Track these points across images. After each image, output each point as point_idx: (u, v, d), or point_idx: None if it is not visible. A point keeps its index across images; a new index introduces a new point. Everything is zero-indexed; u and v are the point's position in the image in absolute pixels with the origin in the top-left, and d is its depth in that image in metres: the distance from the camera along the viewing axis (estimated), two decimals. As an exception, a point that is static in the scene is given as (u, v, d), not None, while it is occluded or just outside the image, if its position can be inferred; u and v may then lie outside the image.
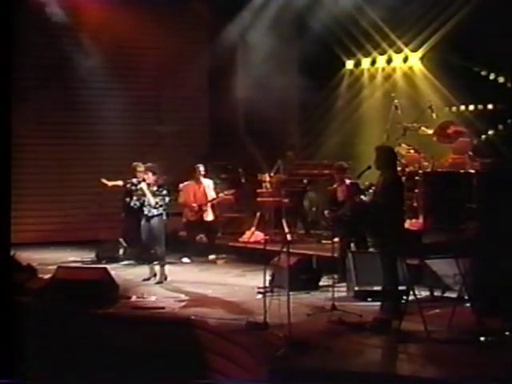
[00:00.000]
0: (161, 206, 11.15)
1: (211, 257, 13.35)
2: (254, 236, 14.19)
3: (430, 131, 12.61)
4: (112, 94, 16.45)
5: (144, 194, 11.20)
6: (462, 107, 14.33)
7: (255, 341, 7.59)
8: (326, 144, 14.97)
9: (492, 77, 13.92)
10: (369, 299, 9.31)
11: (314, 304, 9.16)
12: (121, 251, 13.28)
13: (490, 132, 13.95)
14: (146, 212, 11.22)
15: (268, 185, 14.32)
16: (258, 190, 14.44)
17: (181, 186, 14.86)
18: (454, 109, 14.34)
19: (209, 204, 13.47)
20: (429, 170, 11.68)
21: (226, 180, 15.32)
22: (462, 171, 9.71)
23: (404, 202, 8.58)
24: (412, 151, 11.92)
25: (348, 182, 10.81)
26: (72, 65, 16.30)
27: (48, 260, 13.67)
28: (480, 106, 14.20)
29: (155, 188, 11.24)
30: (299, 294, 9.69)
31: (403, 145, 12.23)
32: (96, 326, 8.61)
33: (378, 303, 8.60)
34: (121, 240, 13.38)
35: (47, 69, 16.06)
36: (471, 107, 14.30)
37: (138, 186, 11.48)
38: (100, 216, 15.64)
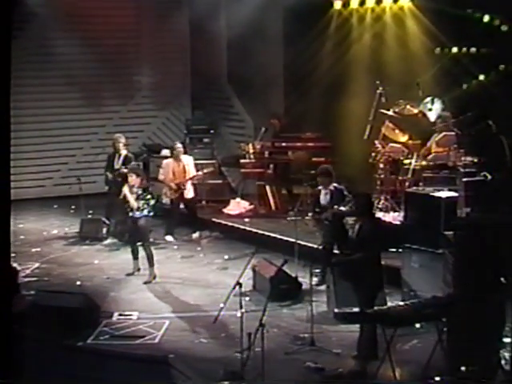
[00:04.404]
0: (143, 209, 11.01)
1: (195, 235, 13.33)
2: (238, 206, 14.15)
3: (416, 110, 12.41)
4: (91, 43, 16.05)
5: (126, 198, 11.11)
6: (454, 49, 13.97)
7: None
8: (311, 110, 14.57)
9: (486, 19, 13.49)
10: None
11: (294, 330, 9.19)
12: (104, 230, 13.23)
13: (481, 77, 13.66)
14: (130, 214, 11.11)
15: (252, 156, 14.13)
16: (242, 161, 14.27)
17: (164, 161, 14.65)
18: (445, 51, 14.00)
19: (189, 182, 13.33)
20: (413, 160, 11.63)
21: (208, 145, 15.14)
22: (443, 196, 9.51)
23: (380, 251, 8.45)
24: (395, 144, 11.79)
25: (332, 186, 10.65)
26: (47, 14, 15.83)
27: (31, 235, 13.68)
28: (472, 50, 13.83)
29: (140, 191, 11.08)
30: (280, 308, 9.83)
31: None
32: (74, 358, 8.78)
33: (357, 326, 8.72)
34: (103, 219, 13.32)
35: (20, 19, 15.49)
36: (463, 50, 13.94)
37: (122, 192, 11.29)
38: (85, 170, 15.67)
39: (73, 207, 14.83)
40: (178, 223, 13.42)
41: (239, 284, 8.14)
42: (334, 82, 14.41)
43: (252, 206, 14.15)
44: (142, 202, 10.99)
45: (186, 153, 13.50)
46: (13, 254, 12.03)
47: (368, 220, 8.15)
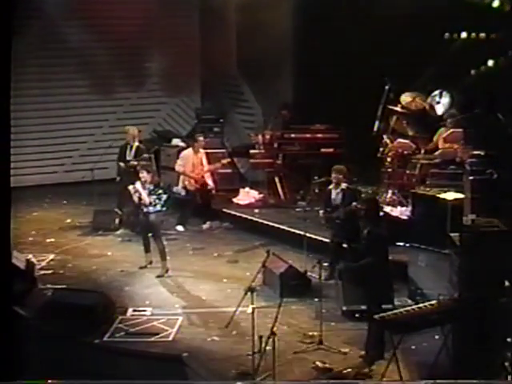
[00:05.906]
0: (156, 204, 11.28)
1: (205, 226, 13.57)
2: (248, 196, 14.37)
3: (424, 103, 12.57)
4: (102, 30, 16.18)
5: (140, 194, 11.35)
6: (463, 34, 14.02)
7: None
8: (320, 96, 14.63)
9: (496, 4, 13.54)
10: (356, 315, 9.60)
11: (303, 328, 9.46)
12: (116, 220, 13.49)
13: (490, 63, 13.73)
14: (144, 209, 11.38)
15: (261, 146, 14.33)
16: (251, 151, 14.47)
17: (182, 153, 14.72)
18: (454, 36, 14.05)
19: (207, 173, 13.59)
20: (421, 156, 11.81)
21: (219, 135, 15.33)
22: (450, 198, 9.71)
23: (388, 255, 8.69)
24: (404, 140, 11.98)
25: (344, 185, 10.84)
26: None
27: (45, 223, 13.94)
28: (482, 35, 13.89)
29: (151, 187, 11.35)
30: (289, 304, 9.97)
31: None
32: (89, 355, 9.09)
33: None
34: (116, 210, 13.57)
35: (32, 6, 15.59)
36: (473, 35, 14.00)
37: (135, 187, 11.50)
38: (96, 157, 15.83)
39: (85, 194, 15.06)
40: (191, 214, 13.67)
41: (251, 290, 8.38)
42: (342, 71, 14.49)
43: (261, 196, 14.37)
44: (154, 197, 11.26)
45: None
46: (28, 245, 12.57)
47: (375, 225, 8.36)
